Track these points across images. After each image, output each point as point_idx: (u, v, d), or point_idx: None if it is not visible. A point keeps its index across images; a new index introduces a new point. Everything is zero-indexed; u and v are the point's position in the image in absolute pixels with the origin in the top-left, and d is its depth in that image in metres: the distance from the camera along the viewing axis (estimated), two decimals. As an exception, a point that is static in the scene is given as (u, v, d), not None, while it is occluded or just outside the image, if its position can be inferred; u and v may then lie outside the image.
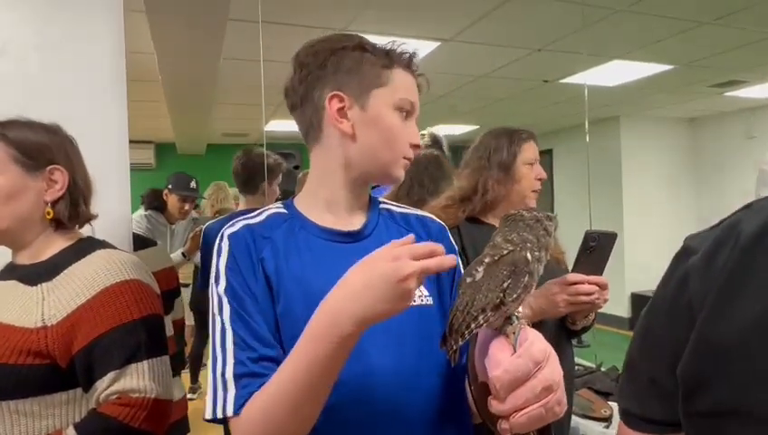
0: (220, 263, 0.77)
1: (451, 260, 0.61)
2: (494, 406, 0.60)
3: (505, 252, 0.64)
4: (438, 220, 0.94)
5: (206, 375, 0.74)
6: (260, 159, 2.39)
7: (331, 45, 0.82)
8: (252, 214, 0.83)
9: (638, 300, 5.55)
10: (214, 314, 0.74)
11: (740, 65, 3.74)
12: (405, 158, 0.84)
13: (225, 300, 0.74)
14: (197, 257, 2.98)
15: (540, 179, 1.43)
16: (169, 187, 3.07)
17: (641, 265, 5.19)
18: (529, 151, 1.43)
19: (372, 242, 0.82)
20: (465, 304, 0.64)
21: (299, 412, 0.66)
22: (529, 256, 0.64)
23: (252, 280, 0.75)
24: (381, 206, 0.91)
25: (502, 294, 0.62)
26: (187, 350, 3.70)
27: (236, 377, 0.70)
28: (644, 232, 5.39)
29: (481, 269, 0.65)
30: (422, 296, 0.79)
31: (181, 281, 3.55)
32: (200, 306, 3.90)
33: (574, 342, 1.52)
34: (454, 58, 3.46)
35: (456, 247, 0.91)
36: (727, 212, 0.58)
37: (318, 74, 0.81)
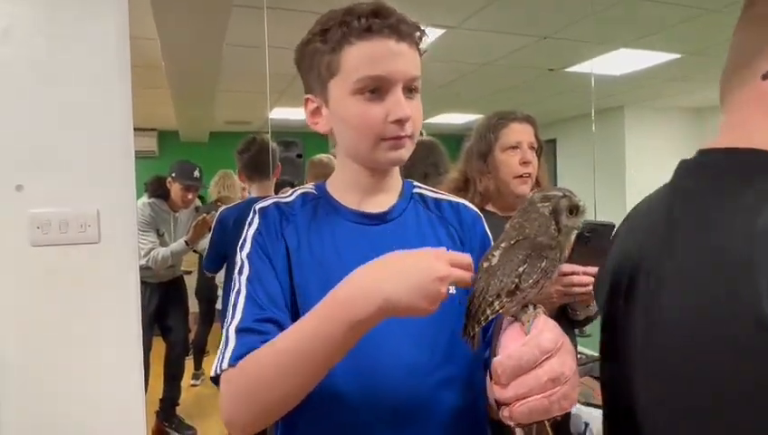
0: (249, 232, 0.79)
1: None
2: (496, 392, 0.59)
3: (521, 237, 0.62)
4: (474, 208, 0.90)
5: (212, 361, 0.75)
6: (269, 145, 2.40)
7: (301, 42, 0.79)
8: (284, 194, 0.85)
9: (640, 290, 5.55)
10: (235, 278, 0.76)
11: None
12: (388, 139, 0.75)
13: (246, 263, 0.76)
14: (200, 245, 2.99)
15: (525, 163, 1.35)
16: (173, 175, 3.08)
17: (644, 256, 5.17)
18: (509, 135, 1.37)
19: (398, 225, 0.81)
20: (482, 290, 0.63)
21: (291, 379, 0.64)
22: (541, 240, 0.61)
23: (274, 251, 0.77)
24: (415, 190, 0.87)
25: (517, 280, 0.60)
26: (191, 337, 3.73)
27: (239, 331, 0.70)
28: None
29: (497, 254, 0.63)
30: None
31: (185, 269, 3.60)
32: (205, 294, 3.92)
33: (576, 332, 1.53)
34: (459, 46, 3.43)
35: (491, 236, 0.88)
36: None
37: (301, 76, 0.81)
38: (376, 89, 0.73)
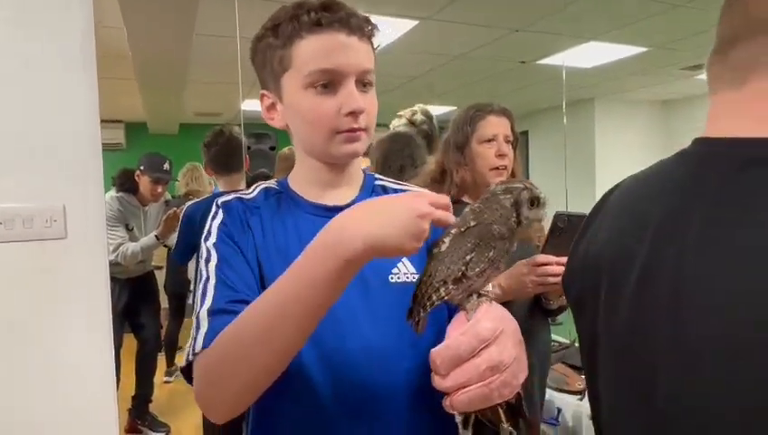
0: (213, 223, 0.78)
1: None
2: (436, 382, 0.60)
3: (472, 224, 0.62)
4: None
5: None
6: (239, 138, 2.35)
7: (254, 38, 0.79)
8: (245, 191, 0.85)
9: (609, 279, 5.69)
10: (200, 267, 0.74)
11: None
12: (342, 132, 0.75)
13: (213, 251, 0.74)
14: (171, 240, 2.93)
15: (501, 156, 1.38)
16: (141, 168, 3.00)
17: (613, 245, 5.30)
18: (486, 128, 1.39)
19: None
20: (429, 276, 0.63)
21: (275, 343, 0.60)
22: (496, 229, 0.61)
23: (242, 241, 0.76)
24: (377, 182, 0.88)
25: (464, 267, 0.60)
26: (163, 333, 3.66)
27: (211, 313, 0.67)
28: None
29: (447, 240, 0.63)
30: (407, 274, 0.78)
31: (156, 264, 3.52)
32: (175, 289, 3.86)
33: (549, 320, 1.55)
34: (431, 37, 3.43)
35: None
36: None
37: (256, 72, 0.81)
38: (328, 82, 0.73)
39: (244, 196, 0.83)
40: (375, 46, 0.78)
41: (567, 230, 1.20)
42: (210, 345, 0.64)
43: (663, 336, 0.49)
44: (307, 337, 0.61)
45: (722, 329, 0.44)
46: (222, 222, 0.78)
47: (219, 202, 0.81)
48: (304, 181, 0.83)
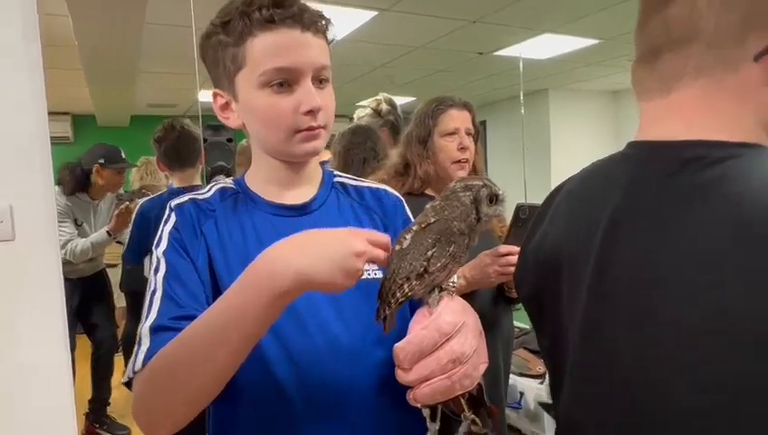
0: (165, 229, 0.76)
1: None
2: (400, 376, 0.61)
3: (432, 220, 0.63)
4: (395, 193, 0.90)
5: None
6: (194, 131, 2.27)
7: (203, 35, 0.76)
8: (201, 190, 0.82)
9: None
10: (150, 276, 0.72)
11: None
12: (301, 130, 0.74)
13: (162, 261, 0.72)
14: (124, 236, 2.84)
15: (462, 149, 1.40)
16: (101, 162, 2.85)
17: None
18: (448, 122, 1.40)
19: (320, 216, 0.80)
20: (393, 272, 0.63)
21: (209, 364, 0.59)
22: (456, 225, 0.62)
23: (193, 247, 0.74)
24: (336, 180, 0.87)
25: (426, 263, 0.61)
26: (120, 332, 3.55)
27: (153, 330, 0.66)
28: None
29: (409, 237, 0.63)
30: (371, 270, 0.77)
31: (109, 261, 3.39)
32: (132, 287, 3.72)
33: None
34: (390, 28, 3.43)
35: (408, 216, 0.89)
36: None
37: (207, 70, 0.79)
38: (284, 81, 0.72)
39: (198, 197, 0.80)
40: (330, 40, 0.76)
41: (528, 220, 1.24)
42: (148, 364, 0.63)
43: (623, 328, 0.53)
44: (243, 359, 0.60)
45: (678, 316, 0.48)
46: (174, 227, 0.75)
47: (173, 205, 0.78)
48: (262, 180, 0.81)
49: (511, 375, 1.70)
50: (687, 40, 0.53)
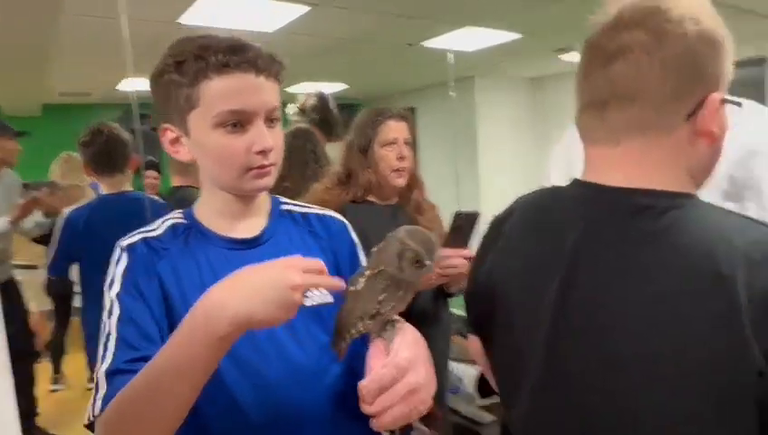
0: (117, 270, 0.76)
1: (337, 283, 0.64)
2: (365, 408, 0.66)
3: (383, 267, 0.68)
4: (340, 218, 0.95)
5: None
6: (122, 135, 2.17)
7: (154, 72, 0.78)
8: (150, 226, 0.82)
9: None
10: (104, 319, 0.73)
11: (574, 34, 4.22)
12: (253, 168, 0.77)
13: (116, 303, 0.73)
14: (26, 224, 2.68)
15: (401, 158, 1.47)
16: None
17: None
18: (387, 132, 1.47)
19: (270, 247, 0.83)
20: (349, 311, 0.70)
21: (160, 406, 0.62)
22: (397, 273, 0.67)
23: (147, 289, 0.75)
24: (283, 208, 0.90)
25: (378, 306, 0.68)
26: (46, 337, 3.37)
27: (109, 374, 0.68)
28: (498, 186, 5.95)
29: (362, 281, 0.70)
30: (320, 295, 0.79)
31: (26, 262, 3.18)
32: (58, 290, 3.53)
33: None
34: (324, 22, 3.42)
35: (353, 238, 0.94)
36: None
37: (155, 105, 0.80)
38: (238, 122, 0.74)
39: (149, 235, 0.81)
40: (281, 81, 0.79)
41: (464, 226, 1.34)
42: (107, 409, 0.65)
43: (589, 358, 0.61)
44: (198, 392, 0.63)
45: (640, 349, 0.57)
46: (126, 268, 0.76)
47: (123, 245, 0.79)
48: (214, 213, 0.83)
49: (450, 362, 1.82)
50: (631, 98, 0.61)
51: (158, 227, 0.82)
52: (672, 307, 0.56)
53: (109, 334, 0.71)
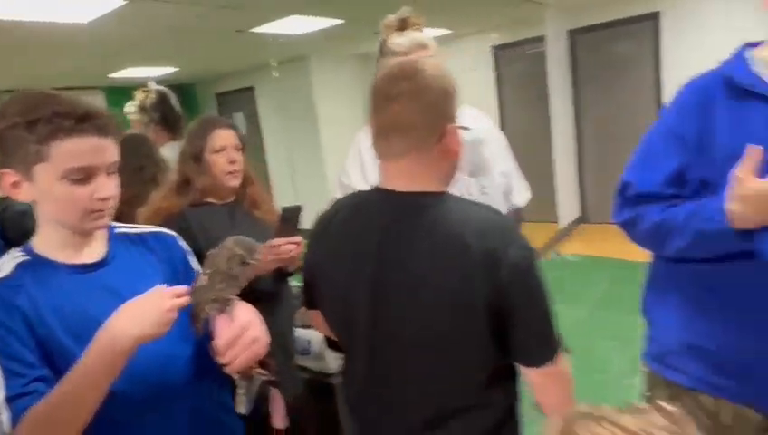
0: None
1: (187, 300, 0.87)
2: (219, 360, 0.88)
3: (217, 268, 0.93)
4: (170, 232, 1.11)
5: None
6: None
7: (4, 127, 0.85)
8: None
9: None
10: None
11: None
12: (95, 211, 0.89)
13: None
14: None
15: (232, 162, 1.62)
16: None
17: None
18: (216, 139, 1.59)
19: (115, 267, 0.97)
20: (198, 301, 0.92)
21: (77, 419, 0.79)
22: (233, 271, 0.95)
23: (12, 323, 0.83)
24: (117, 231, 1.02)
25: (218, 293, 0.93)
26: None
27: (8, 401, 0.79)
28: (340, 162, 6.21)
29: (205, 277, 0.94)
30: None
31: None
32: None
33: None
34: (145, 12, 3.34)
35: (184, 248, 1.12)
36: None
37: None
38: (84, 177, 0.86)
39: (0, 278, 0.87)
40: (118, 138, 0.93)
41: (291, 218, 1.59)
42: (19, 425, 0.78)
43: (394, 300, 0.95)
44: (100, 398, 0.82)
45: (427, 298, 0.91)
46: None
47: None
48: (56, 246, 0.92)
49: (299, 330, 2.08)
50: (407, 129, 0.92)
51: (4, 268, 0.89)
52: (440, 262, 0.89)
53: None
